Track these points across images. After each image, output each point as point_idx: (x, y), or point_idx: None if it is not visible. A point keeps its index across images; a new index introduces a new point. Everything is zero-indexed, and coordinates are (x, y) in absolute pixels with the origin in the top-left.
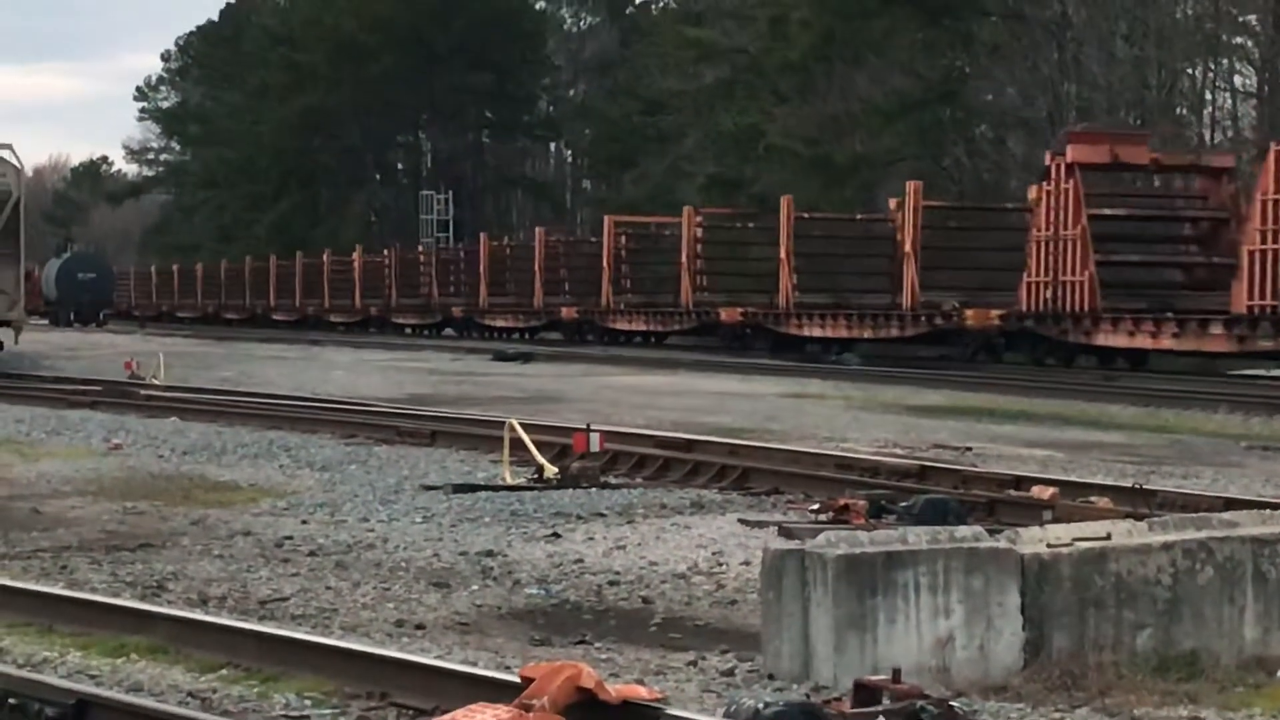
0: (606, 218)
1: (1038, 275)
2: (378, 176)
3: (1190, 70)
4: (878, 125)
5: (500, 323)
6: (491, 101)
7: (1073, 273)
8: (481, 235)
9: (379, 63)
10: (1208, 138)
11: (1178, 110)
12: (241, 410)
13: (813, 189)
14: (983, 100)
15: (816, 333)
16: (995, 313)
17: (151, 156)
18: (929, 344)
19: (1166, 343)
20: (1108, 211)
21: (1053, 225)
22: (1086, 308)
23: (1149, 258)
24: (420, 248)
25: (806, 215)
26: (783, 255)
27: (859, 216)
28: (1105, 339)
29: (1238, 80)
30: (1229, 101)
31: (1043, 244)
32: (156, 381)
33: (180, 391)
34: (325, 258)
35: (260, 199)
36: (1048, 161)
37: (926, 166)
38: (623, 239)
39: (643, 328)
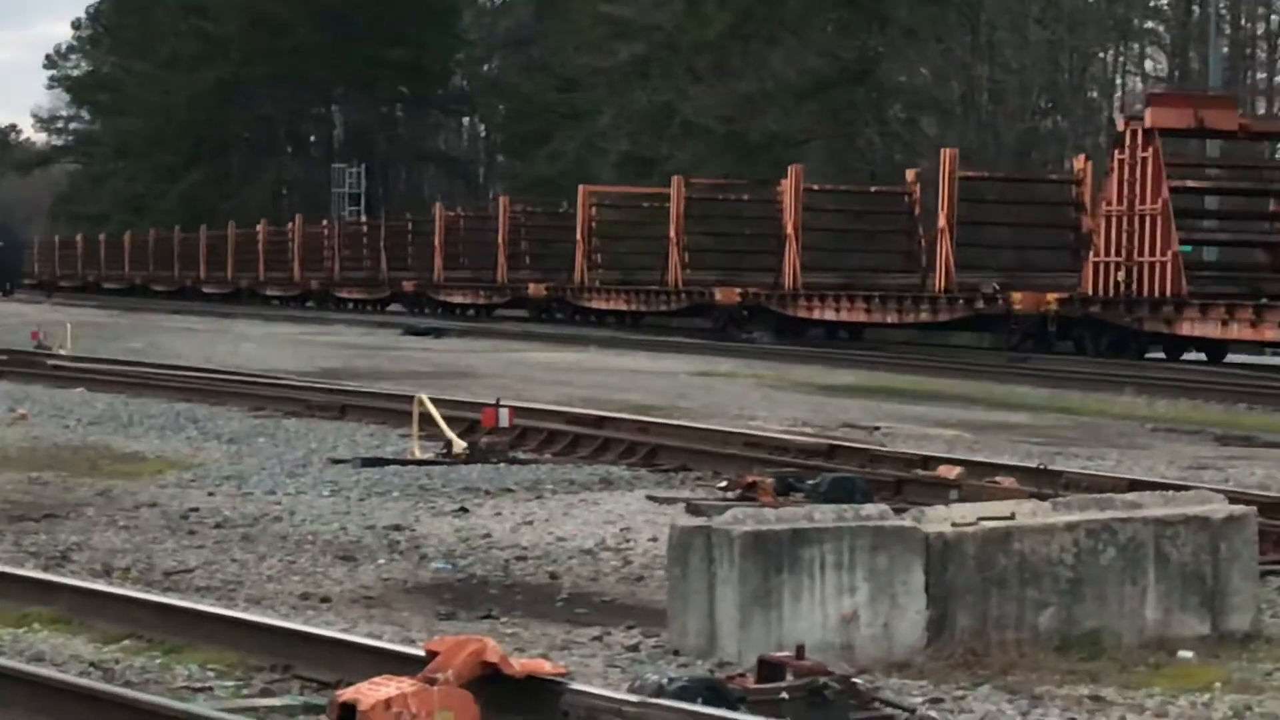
0: (581, 187)
1: (1107, 255)
2: (289, 149)
3: (1102, 54)
4: (792, 104)
5: (458, 298)
6: (405, 75)
7: (1151, 253)
8: (436, 204)
9: (292, 34)
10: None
11: (1089, 94)
12: (149, 382)
13: (726, 167)
14: (896, 81)
15: (829, 316)
16: (1052, 297)
17: (61, 125)
18: (963, 330)
19: (1270, 334)
20: (1192, 184)
21: (1126, 199)
22: (1169, 292)
23: (1238, 236)
24: (363, 217)
25: (816, 187)
26: (789, 230)
27: (873, 189)
28: (1191, 328)
29: (1148, 65)
30: (1140, 85)
31: (1114, 220)
32: (64, 352)
33: (88, 362)
34: (261, 228)
35: (171, 170)
36: (1120, 127)
37: (839, 146)
38: (593, 210)
39: (622, 307)
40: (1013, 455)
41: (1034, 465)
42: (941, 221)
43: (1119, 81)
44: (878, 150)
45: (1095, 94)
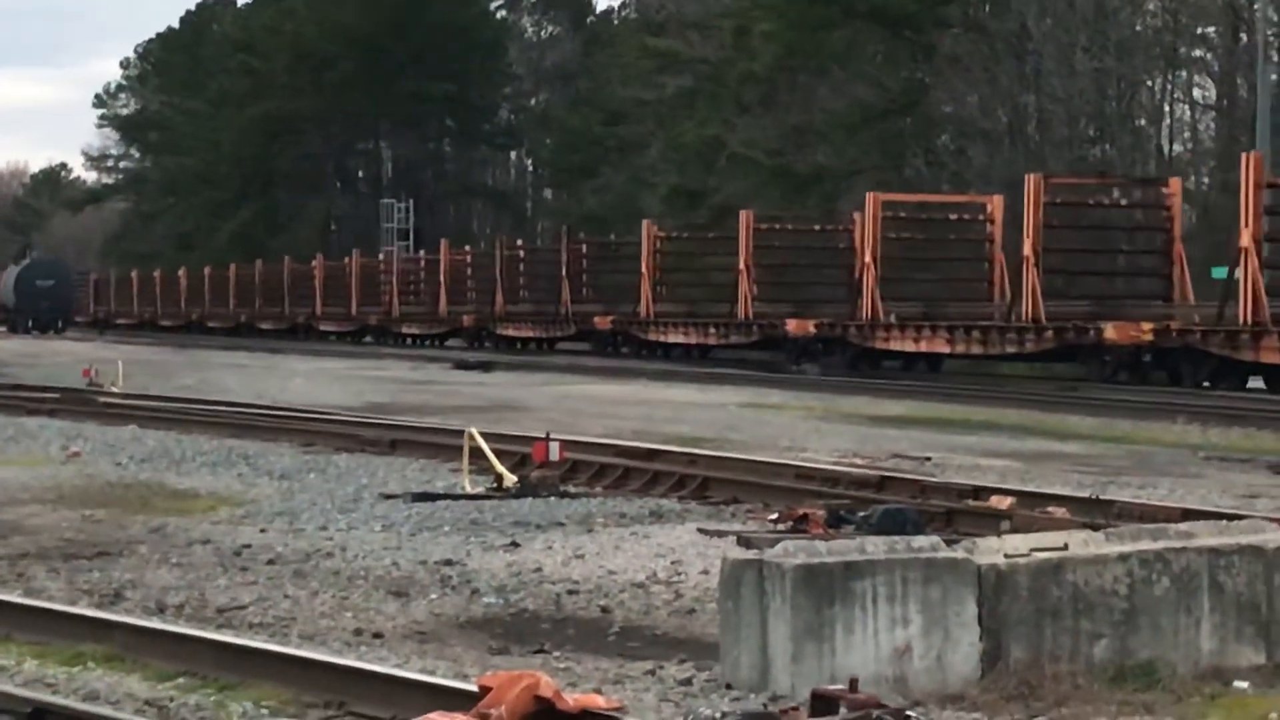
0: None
1: None
2: (338, 184)
3: (1149, 82)
4: (839, 136)
5: (675, 337)
6: (452, 110)
7: None
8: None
9: (339, 70)
10: (1166, 149)
11: (1137, 122)
12: (200, 418)
13: (775, 200)
14: (943, 111)
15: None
16: None
17: (111, 164)
18: None
19: None
20: None
21: None
22: None
23: None
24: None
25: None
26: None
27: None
28: None
29: (1196, 93)
30: (1188, 113)
31: None
32: (115, 389)
33: (139, 399)
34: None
35: (220, 206)
36: None
37: (888, 177)
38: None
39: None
40: (1064, 485)
41: (1086, 495)
42: None
43: (1167, 109)
44: (926, 181)
45: (1143, 122)
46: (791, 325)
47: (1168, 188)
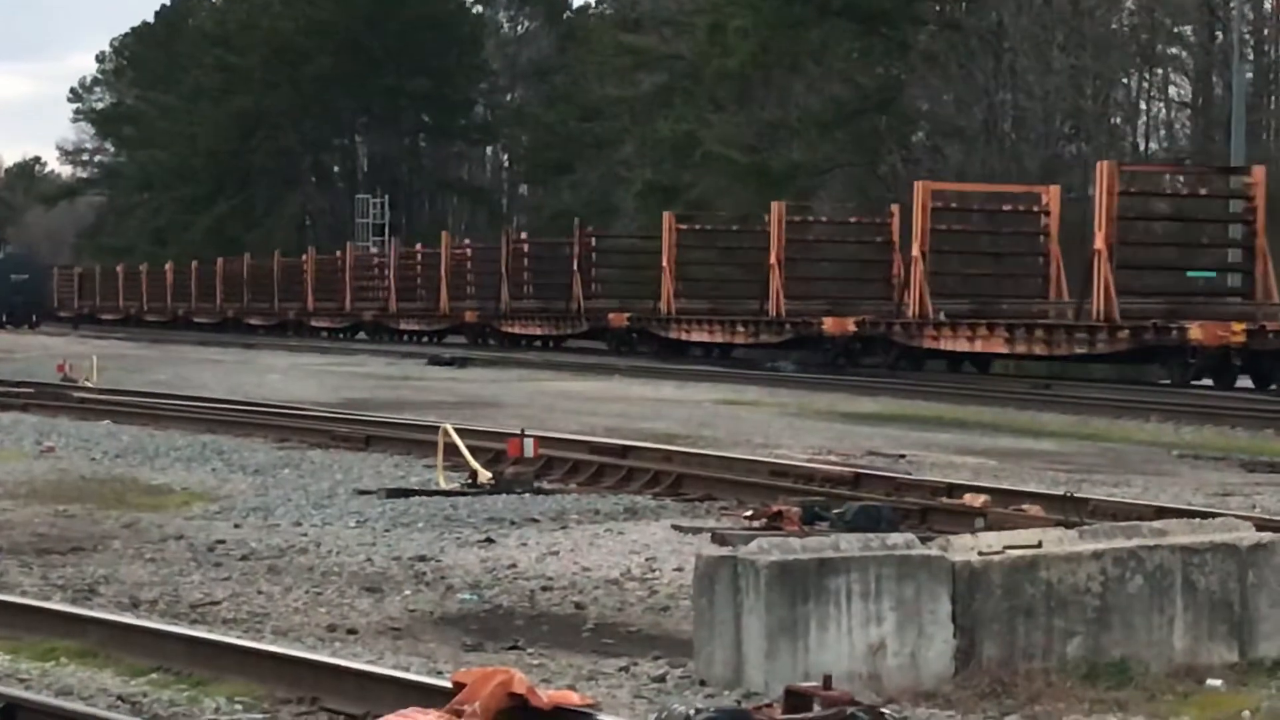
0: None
1: None
2: (313, 179)
3: (1125, 80)
4: (814, 133)
5: (699, 335)
6: (428, 105)
7: None
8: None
9: (315, 65)
10: (1142, 147)
11: (1112, 120)
12: (175, 413)
13: (749, 196)
14: (918, 108)
15: None
16: None
17: (86, 158)
18: None
19: None
20: None
21: None
22: None
23: None
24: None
25: None
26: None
27: None
28: None
29: (1172, 90)
30: (1164, 111)
31: None
32: (89, 384)
33: (114, 394)
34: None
35: (195, 201)
36: None
37: (863, 174)
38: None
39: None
40: (1039, 483)
41: (1060, 493)
42: None
43: (1143, 107)
44: (901, 178)
45: (1119, 120)
46: (828, 323)
47: (1250, 176)
